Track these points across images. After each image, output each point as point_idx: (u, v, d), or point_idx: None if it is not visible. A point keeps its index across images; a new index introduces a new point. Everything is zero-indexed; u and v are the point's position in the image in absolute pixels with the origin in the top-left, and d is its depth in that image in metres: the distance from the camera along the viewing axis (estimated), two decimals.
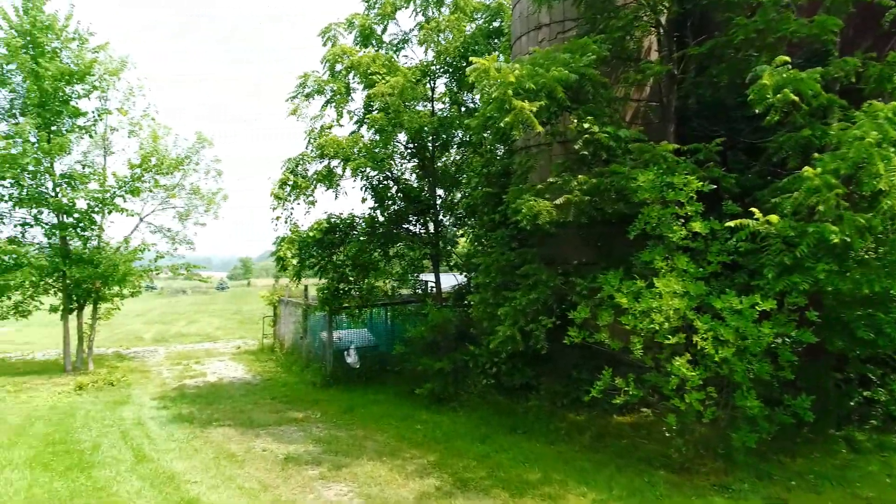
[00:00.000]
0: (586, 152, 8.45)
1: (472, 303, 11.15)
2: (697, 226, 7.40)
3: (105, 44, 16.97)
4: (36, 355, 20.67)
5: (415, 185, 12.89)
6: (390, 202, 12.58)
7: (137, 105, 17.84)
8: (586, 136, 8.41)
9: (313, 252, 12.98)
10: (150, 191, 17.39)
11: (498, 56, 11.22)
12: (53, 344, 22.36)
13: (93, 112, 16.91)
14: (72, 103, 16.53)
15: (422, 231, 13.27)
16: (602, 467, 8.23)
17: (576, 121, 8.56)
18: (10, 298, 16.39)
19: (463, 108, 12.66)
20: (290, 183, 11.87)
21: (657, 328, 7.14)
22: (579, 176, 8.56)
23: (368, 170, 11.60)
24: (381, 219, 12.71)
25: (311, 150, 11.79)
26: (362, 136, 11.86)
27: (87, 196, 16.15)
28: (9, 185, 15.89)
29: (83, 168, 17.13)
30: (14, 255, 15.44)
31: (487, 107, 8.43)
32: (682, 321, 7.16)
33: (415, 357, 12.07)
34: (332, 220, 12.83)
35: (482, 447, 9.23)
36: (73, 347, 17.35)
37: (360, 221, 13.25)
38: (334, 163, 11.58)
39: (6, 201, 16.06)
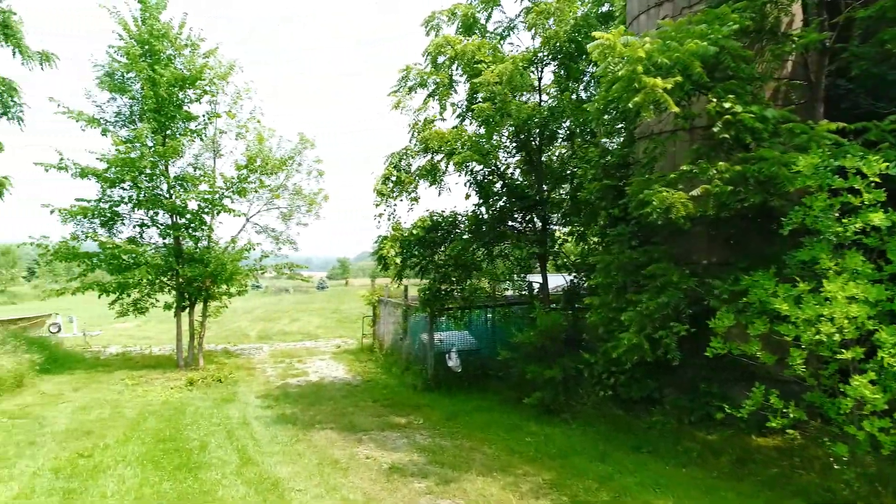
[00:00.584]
0: (727, 136, 7.32)
1: (587, 306, 10.25)
2: (877, 218, 6.12)
3: (214, 49, 17.45)
4: (153, 350, 21.74)
5: (520, 180, 12.08)
6: (495, 198, 11.86)
7: (244, 108, 18.27)
8: (727, 116, 7.29)
9: (415, 251, 12.53)
10: (256, 191, 17.71)
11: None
12: (168, 339, 23.52)
13: (203, 116, 17.45)
14: (184, 108, 17.12)
15: (527, 229, 12.46)
16: (750, 500, 7.10)
17: (714, 100, 7.46)
18: (129, 296, 17.19)
19: (574, 96, 11.72)
20: (394, 178, 11.45)
21: (825, 339, 5.98)
22: (718, 163, 7.46)
23: (473, 164, 10.97)
24: (486, 216, 12.02)
25: (415, 144, 11.29)
26: (465, 130, 11.24)
27: (198, 197, 16.64)
28: (128, 188, 16.65)
29: (194, 170, 17.73)
30: (133, 255, 16.15)
31: (611, 87, 7.52)
32: (860, 332, 5.96)
33: (521, 363, 11.31)
34: (434, 217, 12.31)
35: (603, 467, 8.31)
36: (186, 343, 17.97)
37: (463, 219, 12.66)
38: (437, 157, 11.03)
39: (126, 203, 16.84)
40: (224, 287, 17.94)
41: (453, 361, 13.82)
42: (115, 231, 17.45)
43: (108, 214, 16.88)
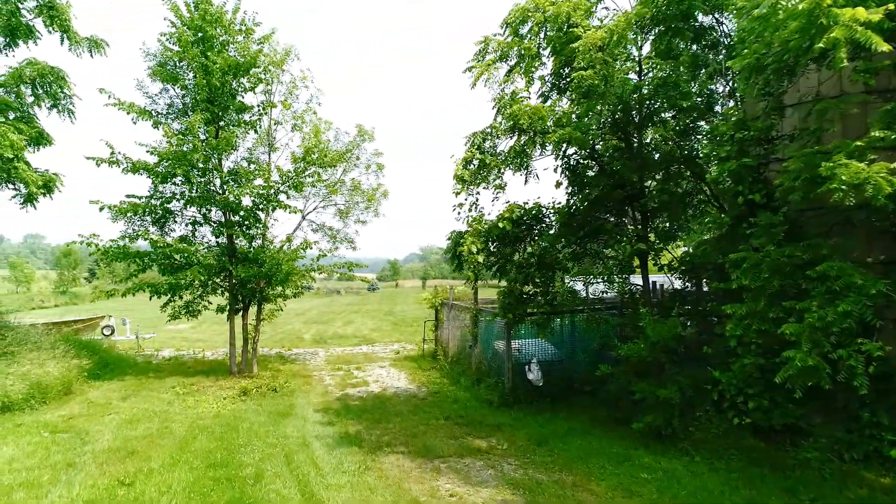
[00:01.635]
0: None
1: (708, 313, 8.47)
2: None
3: (269, 34, 16.32)
4: (206, 354, 20.87)
5: (618, 166, 10.31)
6: (591, 187, 10.12)
7: (300, 97, 17.11)
8: None
9: (492, 248, 10.96)
10: (313, 185, 16.49)
11: None
12: (222, 342, 22.69)
13: (257, 106, 16.33)
14: (238, 98, 16.06)
15: (626, 222, 10.70)
16: None
17: None
18: (181, 298, 16.24)
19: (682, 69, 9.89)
20: (476, 161, 9.88)
21: None
22: None
23: (566, 145, 9.31)
24: (579, 207, 10.31)
25: (501, 122, 9.66)
26: (558, 106, 9.58)
27: (252, 193, 15.49)
28: (179, 183, 15.69)
29: (248, 164, 16.66)
30: (185, 254, 15.14)
31: (776, 32, 5.76)
32: None
33: (623, 379, 9.56)
34: (517, 211, 10.67)
35: None
36: (239, 349, 16.93)
37: (549, 212, 11.01)
38: (525, 137, 9.39)
39: (178, 200, 15.88)
40: (279, 289, 16.82)
41: (534, 374, 12.17)
42: (167, 229, 16.55)
43: (160, 212, 15.95)
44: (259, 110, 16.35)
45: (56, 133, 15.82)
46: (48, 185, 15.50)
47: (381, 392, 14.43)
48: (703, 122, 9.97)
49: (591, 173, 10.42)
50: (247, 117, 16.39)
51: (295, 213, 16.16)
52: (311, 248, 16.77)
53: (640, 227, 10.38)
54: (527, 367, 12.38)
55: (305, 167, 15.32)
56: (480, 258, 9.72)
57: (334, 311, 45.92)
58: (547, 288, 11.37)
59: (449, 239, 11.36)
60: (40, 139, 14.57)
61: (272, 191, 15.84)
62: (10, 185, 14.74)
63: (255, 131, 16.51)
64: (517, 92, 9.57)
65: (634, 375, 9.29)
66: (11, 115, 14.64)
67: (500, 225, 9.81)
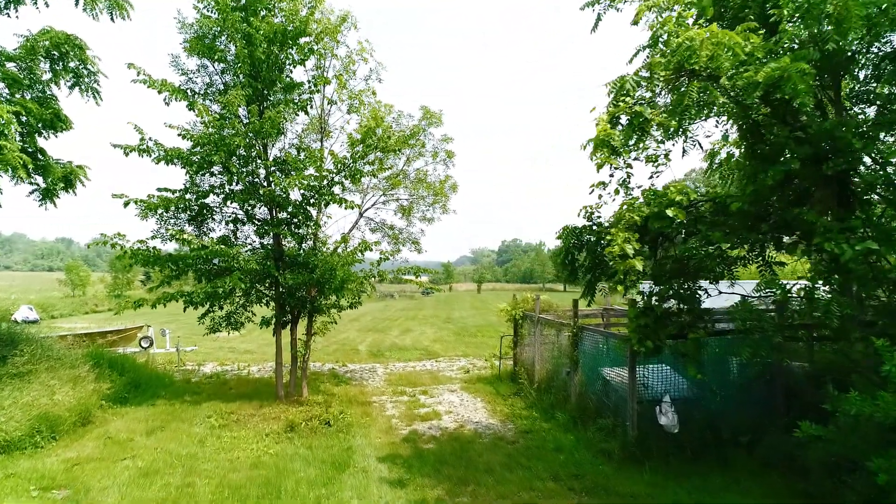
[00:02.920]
0: None
1: None
2: None
3: None
4: (252, 370, 18.55)
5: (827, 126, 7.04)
6: (787, 157, 6.89)
7: (357, 73, 14.49)
8: None
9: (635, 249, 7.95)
10: (374, 175, 13.78)
11: None
12: (271, 355, 20.33)
13: (308, 83, 13.77)
14: (285, 73, 13.56)
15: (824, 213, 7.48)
16: None
17: None
18: (221, 308, 13.85)
19: None
20: (628, 118, 6.87)
21: None
22: None
23: (773, 91, 6.18)
24: (761, 190, 7.14)
25: (662, 59, 6.59)
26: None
27: (302, 185, 12.89)
28: (218, 174, 13.30)
29: (298, 152, 14.14)
30: (224, 258, 12.68)
31: None
32: None
33: (847, 447, 6.38)
34: (684, 193, 7.58)
35: None
36: (287, 367, 14.46)
37: (702, 202, 7.92)
38: (698, 84, 6.34)
39: (216, 193, 13.51)
40: (332, 298, 14.25)
41: (668, 418, 9.08)
42: (204, 229, 14.23)
43: (196, 208, 13.63)
44: (310, 87, 13.78)
45: (81, 121, 13.67)
46: (69, 179, 13.39)
47: (459, 429, 11.60)
48: None
49: (783, 138, 7.18)
50: (296, 98, 13.88)
51: (352, 208, 13.46)
52: (371, 250, 14.10)
53: (842, 219, 7.15)
54: (657, 407, 9.30)
55: (365, 152, 12.63)
56: (639, 264, 6.70)
57: (390, 316, 43.53)
58: (695, 302, 8.28)
59: (560, 237, 8.45)
60: (56, 122, 12.42)
61: (325, 182, 13.25)
62: (27, 178, 12.64)
63: (306, 113, 13.95)
64: (684, 16, 6.51)
65: (866, 443, 6.11)
66: (28, 95, 12.58)
67: (670, 213, 6.78)
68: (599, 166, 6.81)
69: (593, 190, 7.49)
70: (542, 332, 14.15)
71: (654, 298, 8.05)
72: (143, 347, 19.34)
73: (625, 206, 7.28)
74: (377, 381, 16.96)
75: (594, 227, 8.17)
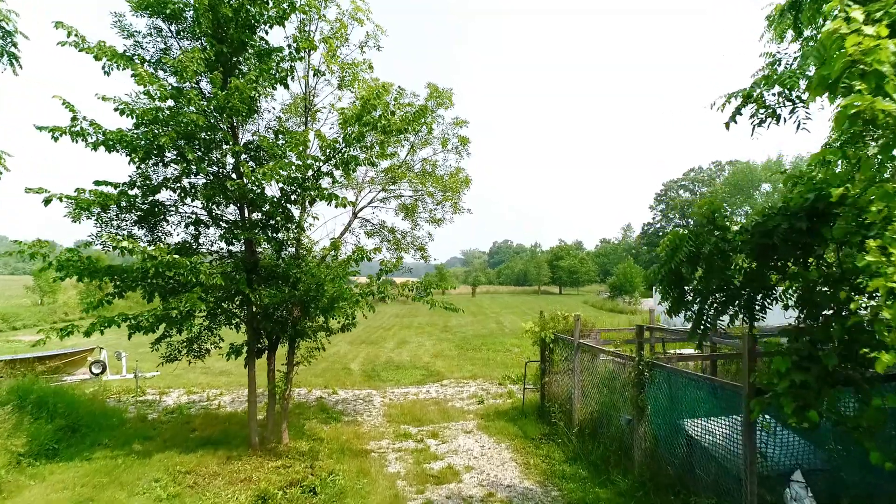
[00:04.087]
0: None
1: None
2: None
3: None
4: (224, 401, 15.56)
5: None
6: None
7: (351, 38, 11.53)
8: None
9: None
10: (372, 163, 10.78)
11: None
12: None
13: (288, 47, 10.81)
14: (257, 33, 10.65)
15: None
16: None
17: None
18: (180, 332, 10.88)
19: None
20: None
21: None
22: None
23: None
24: None
25: None
26: None
27: (280, 177, 9.93)
28: (172, 163, 10.36)
29: (276, 136, 11.21)
30: (179, 271, 9.68)
31: None
32: None
33: None
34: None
35: None
36: (263, 405, 11.56)
37: None
38: None
39: (171, 188, 10.57)
40: (320, 319, 11.37)
41: (807, 501, 6.27)
42: (159, 232, 11.30)
43: (146, 207, 10.69)
44: (291, 53, 10.83)
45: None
46: None
47: (488, 498, 8.73)
48: None
49: None
50: (273, 68, 10.91)
51: (344, 205, 10.47)
52: (370, 259, 11.20)
53: None
54: (787, 491, 6.47)
55: (360, 132, 9.70)
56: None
57: (383, 324, 40.59)
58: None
59: (662, 249, 5.65)
60: None
61: (310, 172, 10.33)
62: None
63: (286, 87, 11.00)
64: None
65: None
66: None
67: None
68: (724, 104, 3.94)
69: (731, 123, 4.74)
70: (584, 360, 11.31)
71: (807, 338, 5.23)
72: (93, 374, 16.31)
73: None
74: (374, 415, 14.04)
75: (721, 232, 5.36)
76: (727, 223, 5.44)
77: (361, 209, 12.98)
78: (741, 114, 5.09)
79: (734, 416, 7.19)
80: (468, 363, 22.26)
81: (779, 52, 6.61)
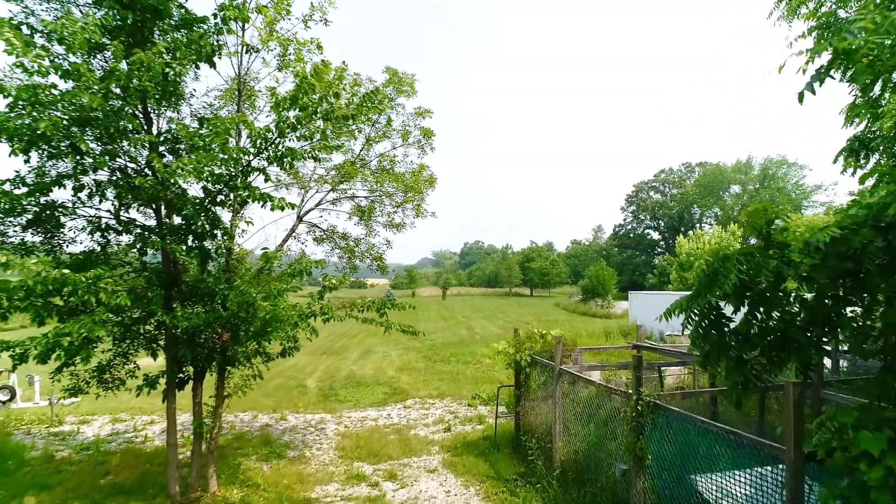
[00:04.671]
0: None
1: None
2: None
3: None
4: (152, 431, 13.55)
5: None
6: None
7: (295, 9, 9.69)
8: None
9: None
10: (315, 157, 8.91)
11: None
12: (184, 405, 15.40)
13: (214, 16, 8.92)
14: (177, 1, 8.77)
15: None
16: None
17: None
18: (80, 362, 8.90)
19: None
20: None
21: None
22: None
23: None
24: None
25: None
26: None
27: (200, 172, 8.06)
28: (65, 155, 8.40)
29: (201, 124, 9.31)
30: (75, 288, 7.73)
31: None
32: None
33: None
34: None
35: None
36: (184, 445, 9.68)
37: None
38: None
39: (64, 185, 8.61)
40: (254, 345, 9.55)
41: None
42: (59, 239, 9.34)
43: (38, 208, 8.74)
44: (217, 25, 8.95)
45: None
46: None
47: None
48: None
49: None
50: (197, 44, 9.00)
51: (282, 208, 8.63)
52: (309, 274, 9.37)
53: None
54: None
55: (298, 120, 7.90)
56: None
57: (348, 331, 38.63)
58: None
59: (698, 274, 3.99)
60: None
61: (240, 168, 8.49)
62: None
63: (212, 65, 9.11)
64: None
65: None
66: None
67: None
68: None
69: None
70: (567, 388, 9.68)
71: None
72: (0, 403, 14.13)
73: None
74: (325, 448, 12.22)
75: (781, 252, 3.75)
76: (787, 238, 3.83)
77: (308, 212, 11.15)
78: (832, 76, 3.48)
79: (766, 469, 5.62)
80: (436, 378, 20.53)
81: None
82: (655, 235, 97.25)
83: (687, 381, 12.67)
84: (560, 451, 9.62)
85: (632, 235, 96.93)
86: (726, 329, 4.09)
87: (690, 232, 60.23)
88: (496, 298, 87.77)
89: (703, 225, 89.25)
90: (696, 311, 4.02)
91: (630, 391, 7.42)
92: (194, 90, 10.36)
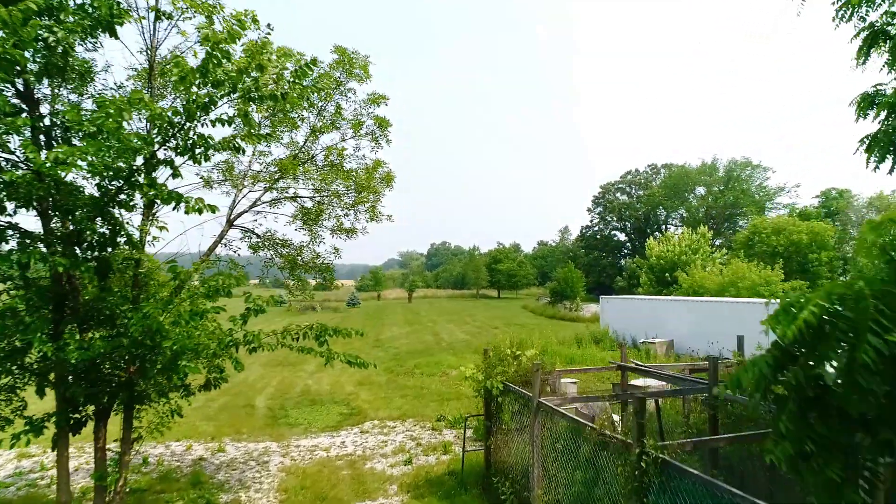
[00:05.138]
0: None
1: None
2: None
3: None
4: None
5: None
6: None
7: None
8: None
9: None
10: (236, 147, 7.17)
11: None
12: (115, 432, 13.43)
13: None
14: None
15: None
16: None
17: None
18: None
19: None
20: None
21: None
22: None
23: None
24: None
25: None
26: None
27: (91, 165, 6.33)
28: None
29: (95, 105, 7.52)
30: None
31: None
32: None
33: None
34: None
35: None
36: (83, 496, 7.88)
37: None
38: None
39: None
40: (163, 380, 7.79)
41: None
42: None
43: None
44: None
45: None
46: None
47: None
48: None
49: None
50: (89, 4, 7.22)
51: (198, 211, 6.91)
52: (228, 295, 7.65)
53: None
54: None
55: (211, 97, 6.22)
56: None
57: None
58: None
59: (790, 335, 2.50)
60: None
61: (141, 157, 6.75)
62: None
63: (112, 34, 7.34)
64: None
65: None
66: None
67: None
68: None
69: None
70: (546, 423, 8.20)
71: None
72: None
73: None
74: (265, 491, 10.48)
75: None
76: None
77: (240, 215, 9.40)
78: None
79: None
80: (398, 394, 18.89)
81: None
82: (622, 237, 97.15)
83: (675, 406, 11.32)
84: (539, 499, 8.11)
85: (599, 237, 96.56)
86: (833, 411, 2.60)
87: (659, 234, 59.83)
88: (463, 301, 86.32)
89: (668, 226, 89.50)
90: (791, 383, 2.54)
91: (629, 440, 5.94)
92: (109, 66, 8.49)
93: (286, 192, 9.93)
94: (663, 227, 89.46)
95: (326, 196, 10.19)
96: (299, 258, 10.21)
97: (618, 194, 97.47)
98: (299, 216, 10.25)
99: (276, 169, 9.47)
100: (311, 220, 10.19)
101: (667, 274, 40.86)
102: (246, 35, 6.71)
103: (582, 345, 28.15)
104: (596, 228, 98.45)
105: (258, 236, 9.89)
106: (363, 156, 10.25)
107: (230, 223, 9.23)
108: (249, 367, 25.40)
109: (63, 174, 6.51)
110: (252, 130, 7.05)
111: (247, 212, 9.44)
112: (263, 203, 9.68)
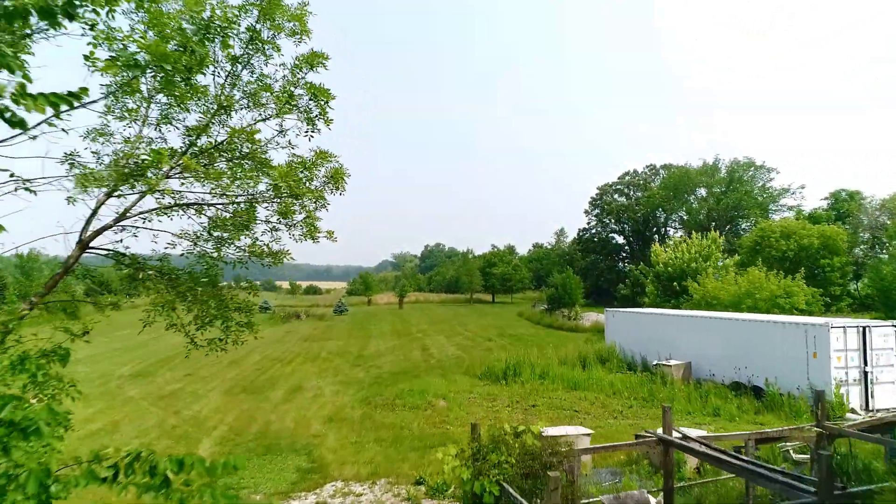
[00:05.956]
0: None
1: None
2: None
3: None
4: None
5: None
6: None
7: None
8: None
9: None
10: (18, 123, 4.13)
11: None
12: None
13: None
14: None
15: None
16: None
17: None
18: None
19: None
20: None
21: None
22: None
23: None
24: None
25: None
26: None
27: None
28: None
29: None
30: None
31: None
32: None
33: None
34: None
35: None
36: None
37: None
38: None
39: None
40: None
41: None
42: None
43: None
44: None
45: None
46: None
47: None
48: None
49: None
50: None
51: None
52: (62, 361, 4.53)
53: None
54: None
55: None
56: None
57: (284, 355, 33.35)
58: None
59: None
60: None
61: None
62: None
63: None
64: None
65: None
66: None
67: None
68: None
69: None
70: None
71: None
72: None
73: None
74: None
75: None
76: None
77: (100, 232, 6.18)
78: None
79: None
80: (372, 436, 15.73)
81: None
82: (620, 240, 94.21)
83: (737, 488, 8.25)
84: None
85: (596, 240, 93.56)
86: None
87: (658, 237, 56.72)
88: (456, 307, 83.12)
89: (668, 229, 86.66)
90: None
91: None
92: None
93: (178, 197, 6.75)
94: (663, 229, 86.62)
95: (239, 205, 7.03)
96: (197, 299, 6.97)
97: (616, 196, 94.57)
98: (205, 233, 7.08)
99: (181, 165, 6.28)
100: (242, 225, 6.98)
101: (675, 283, 37.83)
102: None
103: (587, 366, 25.09)
104: (593, 231, 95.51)
105: (125, 264, 6.66)
106: (288, 142, 7.08)
107: (83, 246, 6.05)
108: (208, 395, 22.23)
109: None
110: (21, 94, 3.96)
111: (109, 228, 6.26)
112: (136, 216, 6.48)
